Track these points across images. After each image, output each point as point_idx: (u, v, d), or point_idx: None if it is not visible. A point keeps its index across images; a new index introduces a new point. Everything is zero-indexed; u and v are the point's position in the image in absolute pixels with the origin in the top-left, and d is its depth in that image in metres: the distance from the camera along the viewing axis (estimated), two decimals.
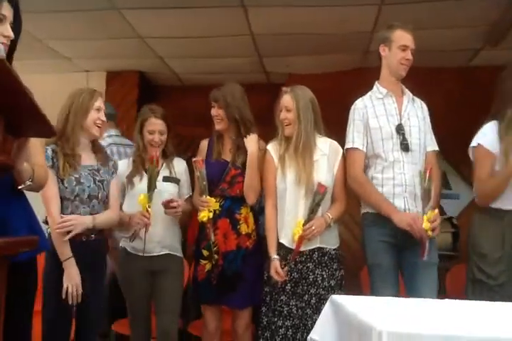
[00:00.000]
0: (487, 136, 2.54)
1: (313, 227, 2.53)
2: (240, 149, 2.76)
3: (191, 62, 5.16)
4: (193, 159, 2.68)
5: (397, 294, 2.44)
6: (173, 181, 2.68)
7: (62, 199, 2.38)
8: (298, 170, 2.61)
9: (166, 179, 2.67)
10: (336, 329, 1.67)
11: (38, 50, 4.76)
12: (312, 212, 2.55)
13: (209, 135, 2.92)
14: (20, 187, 1.62)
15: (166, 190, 2.66)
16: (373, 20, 4.06)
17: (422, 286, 2.44)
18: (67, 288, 2.30)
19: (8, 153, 1.43)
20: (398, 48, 2.57)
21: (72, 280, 2.30)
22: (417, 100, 2.71)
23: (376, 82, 2.71)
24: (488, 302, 1.86)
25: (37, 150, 1.78)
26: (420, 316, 1.52)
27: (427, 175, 2.46)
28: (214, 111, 2.78)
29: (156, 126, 2.71)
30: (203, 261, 2.72)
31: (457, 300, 1.81)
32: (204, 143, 2.87)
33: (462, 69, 4.88)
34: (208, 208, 2.61)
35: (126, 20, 4.12)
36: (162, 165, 2.72)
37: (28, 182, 1.63)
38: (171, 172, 2.68)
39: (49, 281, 2.34)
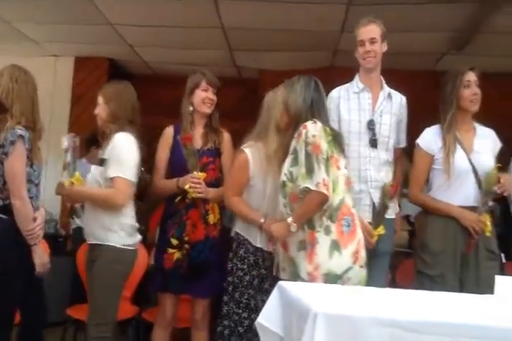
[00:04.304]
0: (425, 138, 2.67)
1: None
2: (211, 137, 2.79)
3: (162, 51, 5.16)
4: (179, 136, 2.71)
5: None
6: (98, 163, 2.58)
7: (27, 181, 2.34)
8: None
9: (98, 161, 2.60)
10: (281, 313, 1.72)
11: (6, 32, 4.70)
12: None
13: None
14: None
15: (87, 172, 2.60)
16: (342, 19, 4.14)
17: (373, 274, 2.39)
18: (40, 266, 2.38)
19: None
20: (358, 46, 2.58)
21: (44, 259, 2.40)
22: (397, 95, 2.69)
23: (356, 75, 2.67)
24: (429, 292, 1.93)
25: None
26: (357, 301, 1.60)
27: (390, 193, 2.54)
28: (210, 95, 2.77)
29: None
30: (171, 250, 2.69)
31: (400, 290, 1.89)
32: (170, 130, 2.83)
33: (428, 72, 4.99)
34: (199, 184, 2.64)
35: (95, 6, 4.10)
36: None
37: None
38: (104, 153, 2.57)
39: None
